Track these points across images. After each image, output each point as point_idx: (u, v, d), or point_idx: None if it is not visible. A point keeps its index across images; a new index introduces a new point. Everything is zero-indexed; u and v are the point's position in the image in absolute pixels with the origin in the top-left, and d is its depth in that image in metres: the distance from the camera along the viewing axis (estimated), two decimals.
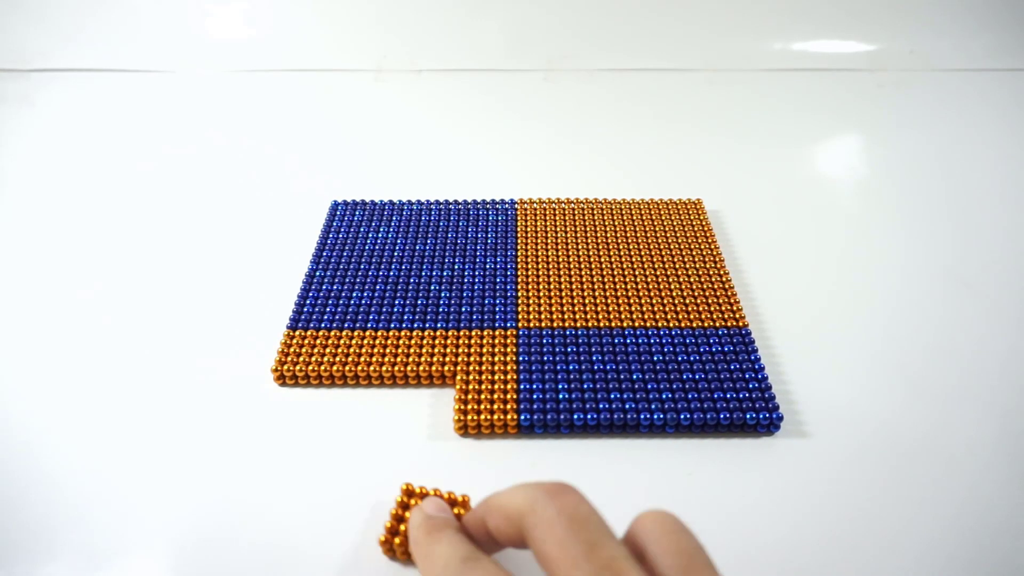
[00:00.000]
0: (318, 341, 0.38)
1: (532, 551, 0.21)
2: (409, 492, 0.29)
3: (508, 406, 0.34)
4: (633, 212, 0.47)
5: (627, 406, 0.34)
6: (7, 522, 0.30)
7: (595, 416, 0.33)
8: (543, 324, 0.39)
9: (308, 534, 0.29)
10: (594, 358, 0.36)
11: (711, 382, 0.35)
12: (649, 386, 0.35)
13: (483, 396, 0.35)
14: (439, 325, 0.39)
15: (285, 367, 0.36)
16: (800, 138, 0.61)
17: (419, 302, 0.40)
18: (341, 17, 0.72)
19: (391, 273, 0.42)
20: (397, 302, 0.40)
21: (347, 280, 0.42)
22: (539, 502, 0.21)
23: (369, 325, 0.39)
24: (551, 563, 0.20)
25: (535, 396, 0.34)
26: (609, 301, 0.40)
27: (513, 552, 0.27)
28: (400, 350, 0.37)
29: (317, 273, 0.42)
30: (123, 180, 0.54)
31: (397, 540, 0.27)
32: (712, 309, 0.40)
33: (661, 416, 0.33)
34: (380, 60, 0.71)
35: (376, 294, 0.41)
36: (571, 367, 0.36)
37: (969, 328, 0.40)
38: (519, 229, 0.46)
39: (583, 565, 0.19)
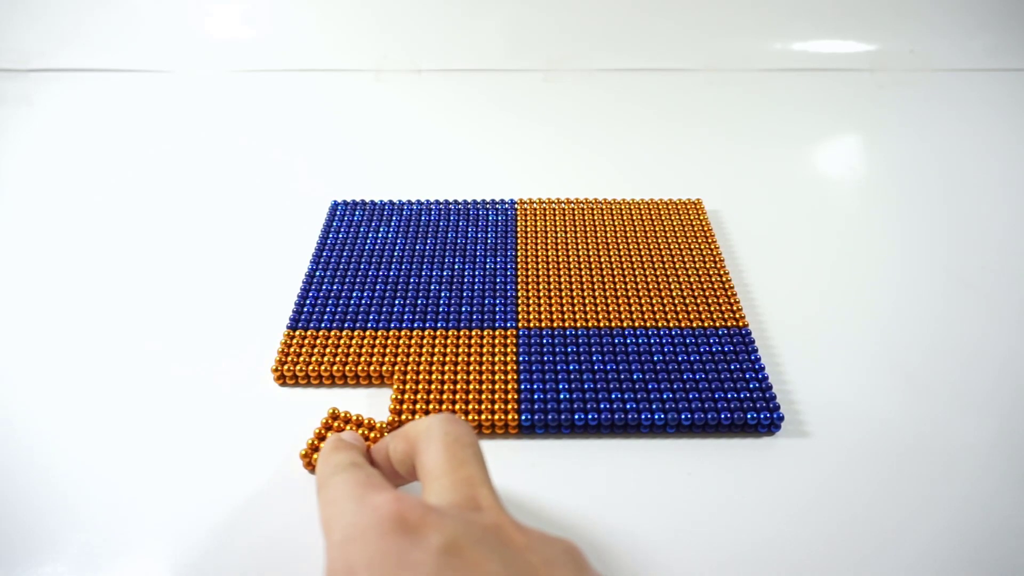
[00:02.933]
0: (318, 341, 0.38)
1: (416, 466, 0.25)
2: (334, 415, 0.32)
3: (508, 406, 0.34)
4: (633, 212, 0.47)
5: (627, 406, 0.34)
6: (7, 522, 0.30)
7: (596, 416, 0.33)
8: (543, 324, 0.39)
9: (308, 534, 0.29)
10: (594, 358, 0.36)
11: (711, 382, 0.35)
12: (649, 386, 0.35)
13: (483, 396, 0.35)
14: (439, 325, 0.39)
15: (285, 367, 0.36)
16: (800, 138, 0.61)
17: (419, 302, 0.40)
18: (341, 17, 0.72)
19: (391, 273, 0.42)
20: (397, 302, 0.40)
21: (347, 280, 0.42)
22: (432, 427, 0.25)
23: (369, 325, 0.39)
24: (424, 472, 0.24)
25: (535, 396, 0.34)
26: (609, 301, 0.40)
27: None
28: (400, 350, 0.37)
29: (317, 273, 0.42)
30: (122, 180, 0.54)
31: (315, 456, 0.31)
32: (712, 309, 0.40)
33: (661, 416, 0.33)
34: (380, 60, 0.70)
35: (376, 294, 0.41)
36: (571, 367, 0.36)
37: (969, 328, 0.40)
38: (519, 229, 0.46)
39: (447, 475, 0.23)
